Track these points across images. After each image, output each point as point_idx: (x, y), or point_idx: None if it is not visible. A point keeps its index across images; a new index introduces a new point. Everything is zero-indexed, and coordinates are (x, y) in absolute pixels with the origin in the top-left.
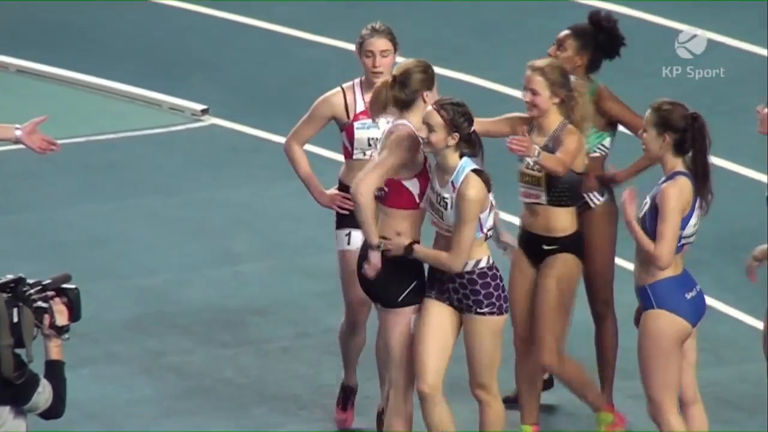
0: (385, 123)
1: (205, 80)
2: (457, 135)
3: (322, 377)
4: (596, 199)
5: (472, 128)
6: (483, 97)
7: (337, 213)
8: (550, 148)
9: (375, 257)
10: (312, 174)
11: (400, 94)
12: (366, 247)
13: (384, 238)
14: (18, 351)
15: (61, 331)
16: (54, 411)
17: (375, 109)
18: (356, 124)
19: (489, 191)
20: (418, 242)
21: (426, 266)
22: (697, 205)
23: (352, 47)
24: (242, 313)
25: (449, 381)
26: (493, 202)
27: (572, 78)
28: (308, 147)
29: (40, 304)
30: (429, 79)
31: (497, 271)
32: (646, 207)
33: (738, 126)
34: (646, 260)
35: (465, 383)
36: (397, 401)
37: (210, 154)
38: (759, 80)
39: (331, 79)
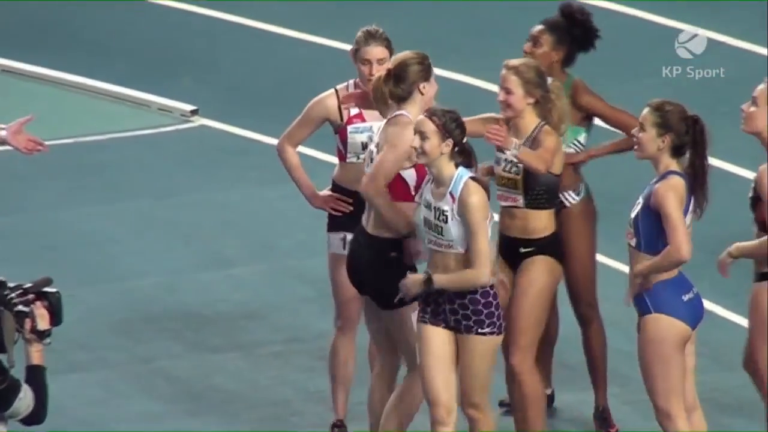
0: (378, 127)
1: (195, 80)
2: (450, 141)
3: (314, 383)
4: (572, 198)
5: (465, 137)
6: (477, 96)
7: (330, 215)
8: None
9: (415, 244)
10: (305, 175)
11: (396, 90)
12: (356, 243)
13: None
14: None
15: (42, 335)
16: (35, 417)
17: (379, 107)
18: (350, 128)
19: (488, 198)
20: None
21: (419, 265)
22: (690, 208)
23: (344, 47)
24: (233, 318)
25: None
26: (492, 214)
27: (549, 80)
28: (302, 149)
29: (21, 308)
30: (425, 70)
31: (495, 289)
32: (639, 207)
33: (738, 126)
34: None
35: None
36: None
37: (200, 155)
38: (759, 80)
39: (324, 80)
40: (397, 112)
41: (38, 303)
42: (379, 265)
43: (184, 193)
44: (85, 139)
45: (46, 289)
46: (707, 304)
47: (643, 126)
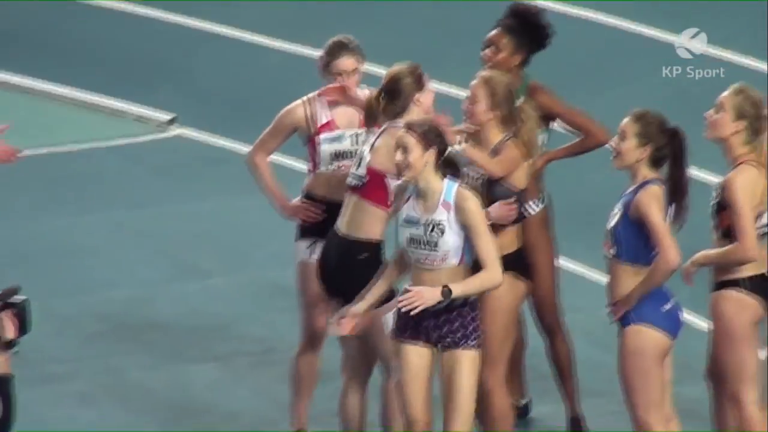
0: (348, 137)
1: (172, 89)
2: (433, 150)
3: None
4: (533, 207)
5: (447, 145)
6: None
7: (299, 225)
8: None
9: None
10: (275, 185)
11: (391, 107)
12: (327, 245)
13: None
14: None
15: (9, 345)
16: (1, 427)
17: (368, 122)
18: (321, 138)
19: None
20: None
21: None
22: (668, 220)
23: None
24: (209, 329)
25: None
26: None
27: (519, 101)
28: (277, 158)
29: None
30: (418, 80)
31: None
32: (618, 217)
33: None
34: (620, 278)
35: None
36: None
37: (176, 165)
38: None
39: (302, 88)
40: (393, 123)
41: (6, 312)
42: (350, 265)
43: (160, 203)
44: (59, 149)
45: (14, 297)
46: (685, 315)
47: (624, 135)
